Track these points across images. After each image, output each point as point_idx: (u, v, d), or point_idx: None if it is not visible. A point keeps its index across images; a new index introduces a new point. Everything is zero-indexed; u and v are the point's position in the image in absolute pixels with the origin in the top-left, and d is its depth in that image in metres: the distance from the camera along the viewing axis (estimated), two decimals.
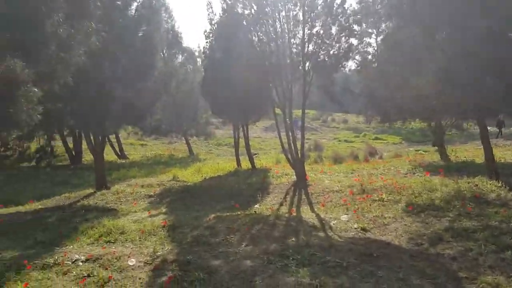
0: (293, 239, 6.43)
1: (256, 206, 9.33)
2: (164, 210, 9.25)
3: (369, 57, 16.54)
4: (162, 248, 6.17)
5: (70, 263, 5.53)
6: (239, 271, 5.27)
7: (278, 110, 12.70)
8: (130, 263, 5.52)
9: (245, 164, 16.58)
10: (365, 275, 5.13)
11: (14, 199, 11.94)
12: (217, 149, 29.05)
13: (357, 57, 16.22)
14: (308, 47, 11.13)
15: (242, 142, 16.97)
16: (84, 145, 19.12)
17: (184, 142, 27.27)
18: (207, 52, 15.62)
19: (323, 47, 11.30)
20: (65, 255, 5.80)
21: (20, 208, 10.28)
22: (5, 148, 23.03)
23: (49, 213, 9.27)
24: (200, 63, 26.22)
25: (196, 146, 28.90)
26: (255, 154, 17.75)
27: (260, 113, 16.05)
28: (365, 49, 17.21)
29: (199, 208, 9.67)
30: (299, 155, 11.48)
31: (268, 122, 37.15)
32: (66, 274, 5.22)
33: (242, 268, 5.34)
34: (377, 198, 8.76)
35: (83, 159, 22.15)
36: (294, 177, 11.93)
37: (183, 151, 27.12)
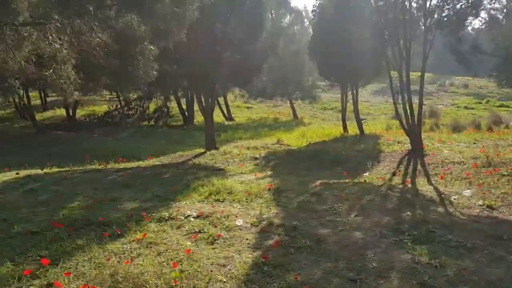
0: (409, 213, 5.92)
1: (365, 174, 8.86)
2: (269, 173, 9.26)
3: (498, 14, 14.43)
4: (268, 211, 6.13)
5: (183, 218, 5.77)
6: (348, 242, 5.00)
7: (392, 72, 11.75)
8: (238, 223, 5.57)
9: (352, 129, 15.93)
10: (494, 259, 4.50)
11: (135, 155, 13.03)
12: (322, 113, 28.45)
13: (482, 13, 14.28)
14: (430, 1, 9.98)
15: (349, 106, 16.26)
16: (196, 106, 20.06)
17: (289, 105, 27.15)
18: (317, 10, 14.97)
19: (448, 1, 10.03)
20: (178, 210, 6.07)
21: (140, 163, 11.15)
22: (128, 108, 25.29)
23: (165, 169, 9.87)
24: (308, 23, 25.48)
25: (300, 109, 28.65)
26: (363, 119, 16.90)
27: (372, 75, 15.13)
28: (493, 4, 15.04)
29: (304, 173, 9.50)
30: (416, 122, 10.54)
31: (377, 85, 35.24)
32: (179, 228, 5.45)
33: (352, 240, 5.06)
34: (506, 173, 7.73)
35: (194, 120, 23.35)
36: (408, 145, 11.08)
37: (287, 114, 27.08)
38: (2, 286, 3.79)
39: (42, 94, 26.64)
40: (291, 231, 5.32)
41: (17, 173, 9.34)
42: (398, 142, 12.39)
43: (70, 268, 4.15)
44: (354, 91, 15.35)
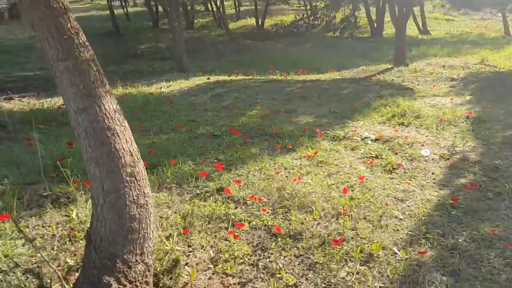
0: None
1: None
2: (468, 98, 7.81)
3: None
4: (463, 144, 5.14)
5: (359, 139, 5.28)
6: None
7: None
8: (424, 153, 4.80)
9: None
10: None
11: (316, 66, 12.70)
12: None
13: None
14: None
15: None
16: (387, 17, 18.29)
17: (500, 19, 22.42)
18: None
19: None
20: (355, 130, 5.59)
21: (320, 76, 10.79)
22: (314, 17, 24.70)
23: (345, 84, 9.30)
24: None
25: None
26: None
27: None
28: None
29: None
30: None
31: None
32: (354, 150, 5.01)
33: None
34: None
35: (383, 32, 21.47)
36: None
37: (497, 30, 22.54)
38: (183, 183, 4.05)
39: (236, 3, 27.97)
40: (491, 172, 4.35)
41: (208, 78, 10.08)
42: None
43: (241, 175, 4.17)
44: None
